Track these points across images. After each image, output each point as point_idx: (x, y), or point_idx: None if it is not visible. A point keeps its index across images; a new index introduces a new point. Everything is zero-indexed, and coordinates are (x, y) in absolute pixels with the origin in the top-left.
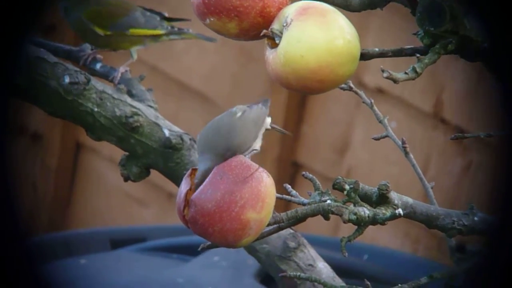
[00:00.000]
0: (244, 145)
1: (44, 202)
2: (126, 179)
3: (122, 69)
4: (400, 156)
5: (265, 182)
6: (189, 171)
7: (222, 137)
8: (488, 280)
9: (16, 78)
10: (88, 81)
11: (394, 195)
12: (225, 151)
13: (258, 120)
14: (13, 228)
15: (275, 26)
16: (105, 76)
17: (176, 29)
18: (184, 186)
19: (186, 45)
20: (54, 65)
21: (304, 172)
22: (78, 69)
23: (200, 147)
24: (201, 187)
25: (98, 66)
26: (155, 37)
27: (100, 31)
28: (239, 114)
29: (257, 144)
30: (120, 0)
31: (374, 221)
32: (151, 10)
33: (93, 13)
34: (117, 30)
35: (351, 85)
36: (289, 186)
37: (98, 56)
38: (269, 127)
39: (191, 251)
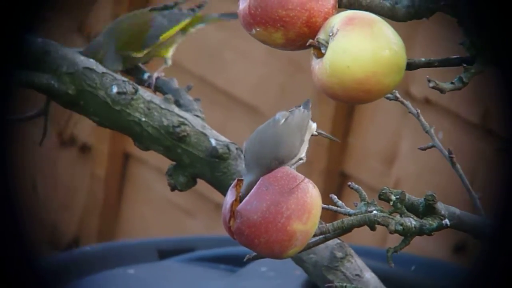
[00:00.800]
0: (290, 153)
1: (93, 212)
2: (173, 188)
3: (156, 74)
4: (447, 166)
5: (311, 193)
6: (235, 182)
7: (268, 147)
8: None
9: (65, 88)
10: (136, 91)
11: (440, 206)
12: (271, 161)
13: (302, 124)
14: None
15: (321, 36)
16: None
17: (196, 10)
18: (230, 196)
19: (234, 55)
20: (102, 75)
21: (350, 183)
22: (126, 79)
23: (246, 159)
24: (247, 198)
25: (145, 76)
26: (184, 31)
27: (138, 54)
28: (282, 121)
29: (303, 150)
30: (135, 15)
31: (420, 231)
32: (164, 7)
33: (124, 44)
34: (150, 44)
35: (397, 95)
36: (335, 197)
37: (161, 74)
38: (315, 132)
39: (238, 261)
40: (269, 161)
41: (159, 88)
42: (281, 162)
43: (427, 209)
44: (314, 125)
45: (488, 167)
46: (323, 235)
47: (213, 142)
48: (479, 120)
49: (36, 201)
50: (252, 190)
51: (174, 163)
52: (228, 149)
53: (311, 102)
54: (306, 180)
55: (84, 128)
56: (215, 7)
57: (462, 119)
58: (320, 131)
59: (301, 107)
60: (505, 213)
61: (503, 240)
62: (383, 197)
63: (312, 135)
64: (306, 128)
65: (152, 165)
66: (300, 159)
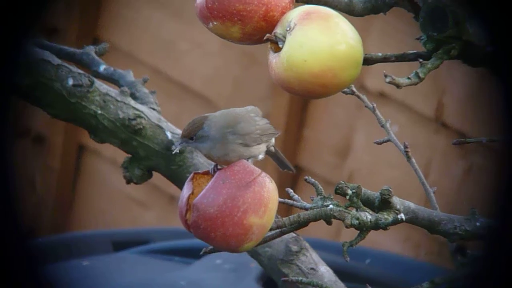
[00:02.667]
0: (247, 137)
1: (47, 204)
2: (128, 181)
3: None
4: (402, 160)
5: (268, 187)
6: (192, 175)
7: (231, 118)
8: (488, 283)
9: (19, 79)
10: (92, 83)
11: (396, 200)
12: (229, 129)
13: (266, 132)
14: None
15: (278, 30)
16: (109, 78)
17: None
18: (186, 190)
19: (189, 47)
20: (58, 67)
21: (306, 177)
22: (81, 71)
23: (214, 114)
24: (203, 191)
25: (101, 68)
26: None
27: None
28: (252, 114)
29: (259, 152)
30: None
31: (376, 226)
32: None
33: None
34: None
35: (354, 89)
36: (291, 191)
37: None
38: (272, 148)
39: (193, 254)
40: (227, 124)
41: (115, 80)
42: (234, 134)
43: (383, 204)
44: (272, 141)
45: (442, 160)
46: (279, 229)
47: (169, 135)
48: (433, 114)
49: None
50: (209, 183)
51: (129, 155)
52: None
53: (279, 133)
54: (263, 174)
55: (38, 119)
56: (171, 0)
57: (417, 112)
58: (278, 150)
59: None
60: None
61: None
62: (339, 191)
63: (268, 151)
64: (267, 138)
65: (107, 158)
66: (253, 156)
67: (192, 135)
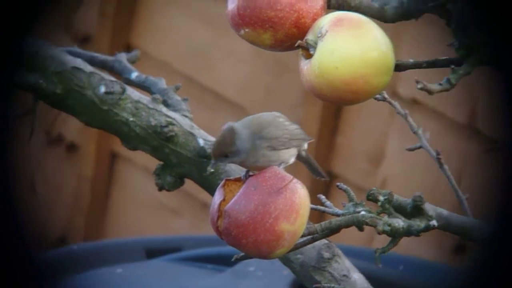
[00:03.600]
0: (274, 141)
1: (80, 211)
2: (160, 188)
3: None
4: (435, 166)
5: (299, 193)
6: (223, 182)
7: (259, 123)
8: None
9: (52, 87)
10: (124, 90)
11: (428, 207)
12: (257, 133)
13: (296, 137)
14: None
15: (310, 37)
16: (141, 86)
17: None
18: (218, 196)
19: (221, 55)
20: (90, 75)
21: (338, 183)
22: (113, 79)
23: (244, 120)
24: (235, 198)
25: (133, 75)
26: None
27: None
28: (281, 119)
29: (291, 159)
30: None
31: (408, 232)
32: None
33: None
34: None
35: (386, 95)
36: (324, 197)
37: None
38: (303, 153)
39: (225, 261)
40: (255, 129)
41: (147, 88)
42: (261, 138)
43: (415, 210)
44: (305, 146)
45: (475, 167)
46: (311, 236)
47: (201, 142)
48: (465, 121)
49: (33, 200)
50: (240, 190)
51: (161, 163)
52: None
53: (311, 140)
54: (295, 180)
55: (71, 127)
56: (202, 7)
57: (449, 119)
58: (309, 156)
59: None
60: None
61: (501, 243)
62: (371, 198)
63: (300, 156)
64: (297, 143)
65: (140, 165)
66: (284, 162)
67: (226, 154)
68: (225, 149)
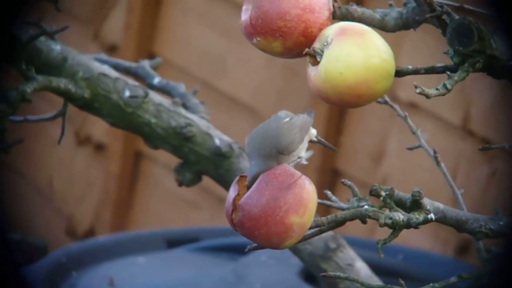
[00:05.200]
0: (289, 147)
1: (107, 205)
2: (180, 184)
3: None
4: (432, 164)
5: (307, 189)
6: (237, 178)
7: (270, 139)
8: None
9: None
10: (146, 94)
11: (426, 201)
12: (271, 151)
13: (304, 127)
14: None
15: (317, 45)
16: (162, 90)
17: None
18: (232, 191)
19: (236, 62)
20: (116, 80)
21: (343, 180)
22: (137, 84)
23: (248, 149)
24: (248, 193)
25: (155, 80)
26: None
27: None
28: (286, 119)
29: (302, 151)
30: None
31: (408, 225)
32: None
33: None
34: None
35: (387, 99)
36: (329, 192)
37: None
38: (314, 138)
39: (239, 250)
40: (269, 151)
41: (168, 92)
42: (280, 153)
43: (414, 204)
44: (314, 131)
45: (469, 164)
46: (318, 228)
47: (217, 141)
48: (460, 122)
49: (53, 195)
50: (253, 186)
51: (181, 160)
52: (231, 148)
53: (312, 112)
54: (303, 177)
55: (99, 128)
56: (218, 18)
57: (445, 121)
58: (319, 138)
59: (305, 114)
60: None
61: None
62: (374, 193)
63: (311, 141)
64: (306, 131)
65: (162, 163)
66: (299, 157)
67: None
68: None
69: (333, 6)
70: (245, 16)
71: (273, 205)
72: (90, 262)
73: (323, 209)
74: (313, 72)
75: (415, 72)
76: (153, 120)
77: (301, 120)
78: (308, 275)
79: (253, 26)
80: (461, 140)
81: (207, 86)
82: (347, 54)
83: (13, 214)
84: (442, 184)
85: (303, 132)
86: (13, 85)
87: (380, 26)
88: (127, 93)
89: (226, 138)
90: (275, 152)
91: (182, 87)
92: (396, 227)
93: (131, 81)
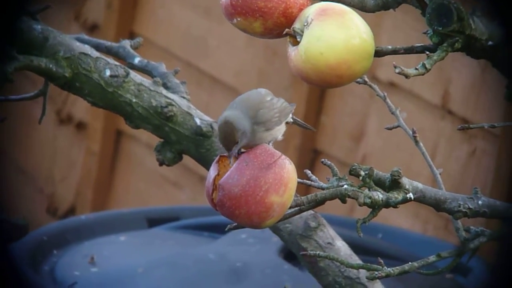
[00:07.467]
0: (267, 124)
1: (88, 184)
2: (161, 163)
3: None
4: (411, 144)
5: (288, 168)
6: (217, 157)
7: (253, 107)
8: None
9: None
10: (127, 74)
11: (405, 181)
12: (253, 118)
13: (283, 112)
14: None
15: (297, 25)
16: (143, 70)
17: None
18: (213, 171)
19: (217, 42)
20: (97, 59)
21: (323, 159)
22: (118, 63)
23: (234, 104)
24: (228, 172)
25: (136, 60)
26: None
27: None
28: (268, 98)
29: (280, 133)
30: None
31: (387, 204)
32: None
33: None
34: None
35: (366, 79)
36: (309, 172)
37: None
38: (290, 119)
39: (220, 229)
40: (252, 114)
41: (148, 72)
42: (256, 124)
43: (393, 184)
44: (290, 116)
45: (447, 144)
46: (298, 207)
47: (198, 121)
48: (439, 102)
49: (35, 174)
50: (233, 165)
51: (162, 140)
52: (212, 127)
53: (295, 105)
54: (283, 156)
55: (80, 107)
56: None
57: (424, 100)
58: (295, 118)
59: (285, 100)
60: None
61: None
62: (353, 173)
63: (288, 122)
64: (285, 117)
65: (143, 142)
66: (277, 138)
67: (235, 142)
68: (232, 139)
69: None
70: None
71: (253, 184)
72: (71, 241)
73: (303, 188)
74: (293, 52)
75: (395, 52)
76: (134, 100)
77: (281, 104)
78: (288, 253)
79: (233, 6)
80: (441, 119)
81: (189, 66)
82: (328, 35)
83: None
84: (421, 164)
85: (282, 116)
86: None
87: (360, 7)
88: (108, 73)
89: (206, 117)
90: (253, 122)
91: (163, 67)
92: (375, 206)
93: (112, 61)
